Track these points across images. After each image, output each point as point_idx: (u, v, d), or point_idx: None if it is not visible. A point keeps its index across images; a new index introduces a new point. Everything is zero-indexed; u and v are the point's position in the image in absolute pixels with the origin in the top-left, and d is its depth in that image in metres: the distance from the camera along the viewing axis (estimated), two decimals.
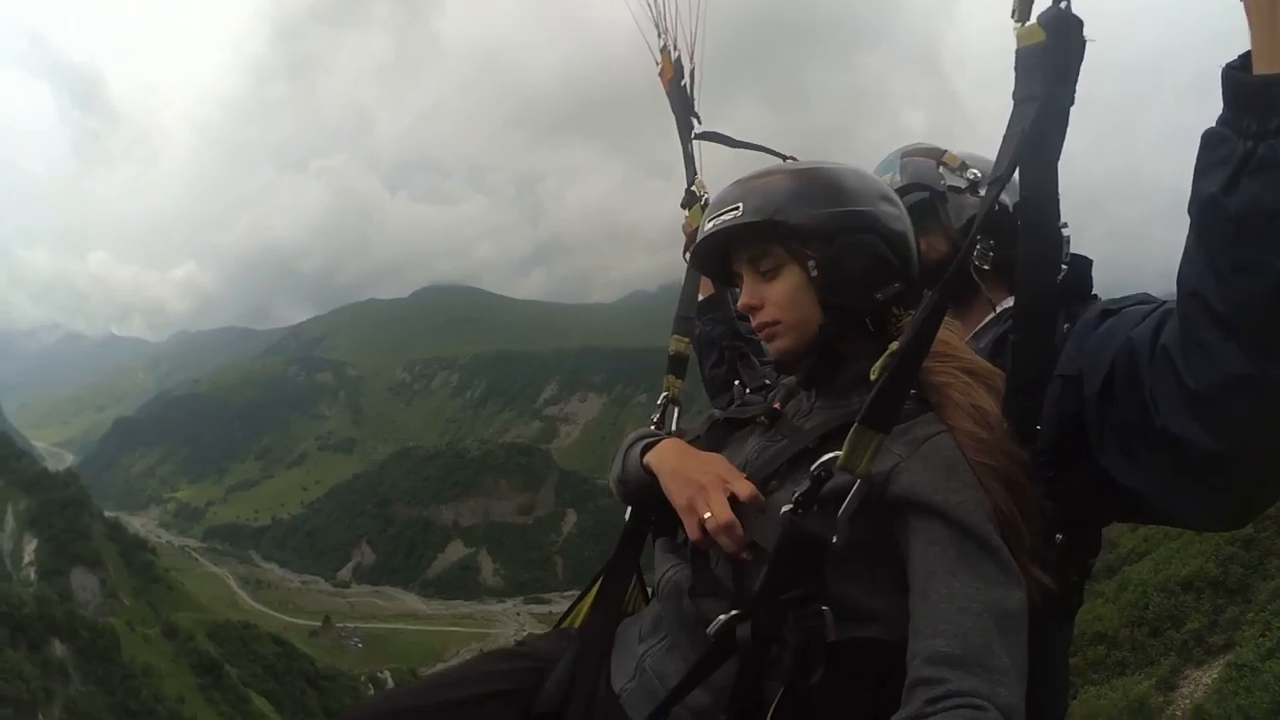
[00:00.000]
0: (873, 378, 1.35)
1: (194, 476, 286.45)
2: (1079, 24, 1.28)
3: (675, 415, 2.24)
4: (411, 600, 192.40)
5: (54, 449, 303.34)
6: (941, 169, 2.12)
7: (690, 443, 1.75)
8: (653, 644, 1.68)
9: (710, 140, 2.55)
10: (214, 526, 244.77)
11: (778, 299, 1.59)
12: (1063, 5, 1.29)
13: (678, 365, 2.34)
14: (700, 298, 2.52)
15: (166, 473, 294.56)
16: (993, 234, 1.96)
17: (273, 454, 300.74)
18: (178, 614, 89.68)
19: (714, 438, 1.79)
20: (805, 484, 1.36)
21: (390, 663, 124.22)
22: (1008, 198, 1.86)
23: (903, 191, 2.02)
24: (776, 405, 1.74)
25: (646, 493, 1.73)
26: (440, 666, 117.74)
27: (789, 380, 1.80)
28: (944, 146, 2.18)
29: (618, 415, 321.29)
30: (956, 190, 2.09)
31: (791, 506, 1.35)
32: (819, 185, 1.57)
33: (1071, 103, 1.32)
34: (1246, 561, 12.52)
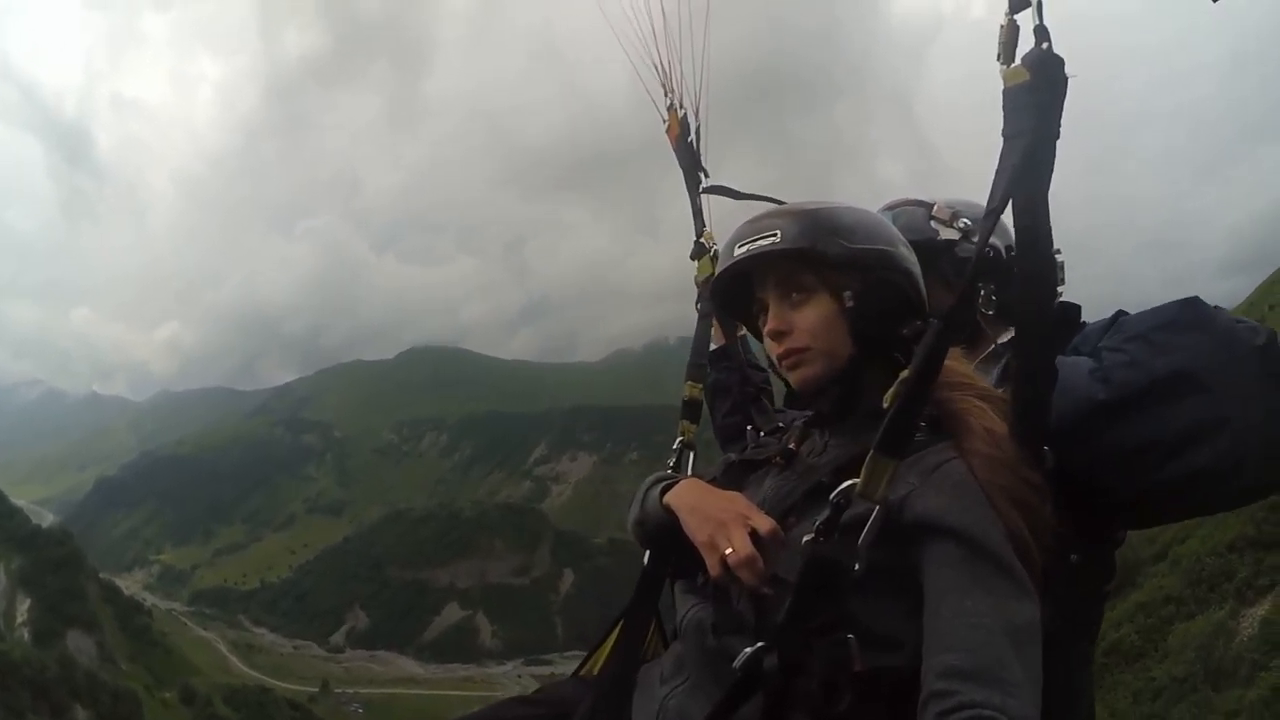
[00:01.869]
0: (885, 405, 1.40)
1: (179, 539, 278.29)
2: (1060, 62, 1.34)
3: (691, 460, 2.29)
4: (409, 665, 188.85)
5: (33, 507, 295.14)
6: (933, 221, 2.19)
7: (708, 483, 1.78)
8: (675, 685, 1.68)
9: (717, 194, 2.60)
10: (201, 590, 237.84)
11: (808, 325, 1.62)
12: (1044, 46, 1.34)
13: (692, 410, 2.39)
14: (712, 347, 2.57)
15: (151, 534, 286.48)
16: (991, 278, 2.04)
17: (259, 516, 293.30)
18: (195, 678, 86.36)
19: (731, 479, 1.83)
20: (825, 512, 1.40)
21: None
22: (999, 241, 1.99)
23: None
24: (791, 446, 1.77)
25: (665, 534, 1.73)
26: None
27: (801, 421, 1.85)
28: (927, 197, 2.25)
29: (609, 473, 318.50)
30: (951, 241, 2.16)
31: (813, 535, 1.39)
32: (852, 222, 1.63)
33: (1057, 136, 1.37)
34: (1277, 521, 15.97)
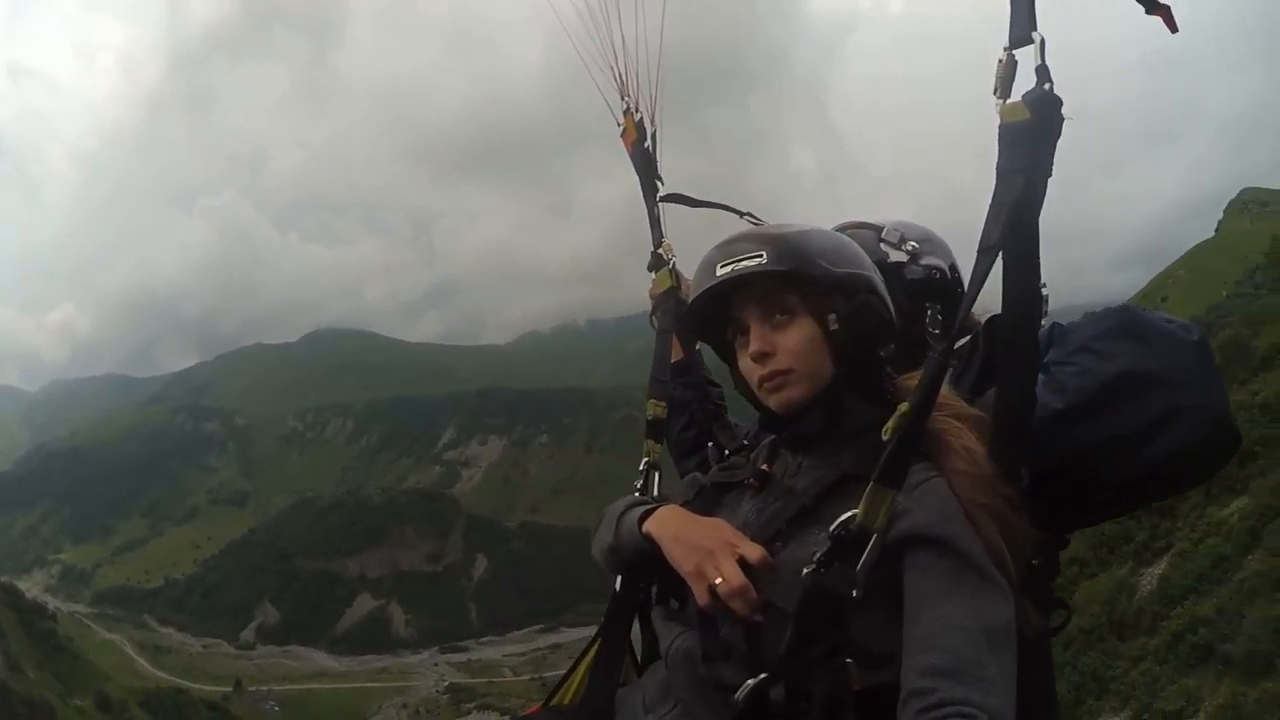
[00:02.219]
0: (885, 437, 1.41)
1: (78, 536, 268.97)
2: (1060, 103, 1.38)
3: (657, 480, 2.25)
4: (322, 658, 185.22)
5: None
6: (882, 244, 2.23)
7: (685, 508, 1.76)
8: (662, 713, 1.69)
9: (674, 202, 2.56)
10: (104, 590, 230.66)
11: (792, 348, 1.63)
12: (1046, 87, 1.38)
13: (656, 430, 2.33)
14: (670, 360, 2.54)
15: (49, 533, 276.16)
16: (940, 300, 2.15)
17: (161, 510, 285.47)
18: (107, 684, 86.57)
19: (704, 502, 1.81)
20: (826, 544, 1.41)
21: None
22: (943, 261, 2.17)
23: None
24: (764, 467, 1.76)
25: (641, 561, 1.75)
26: None
27: (768, 441, 1.86)
28: (876, 219, 2.31)
29: (519, 456, 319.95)
30: (900, 264, 2.20)
31: (814, 566, 1.40)
32: (832, 245, 1.65)
33: (1050, 174, 1.41)
34: None
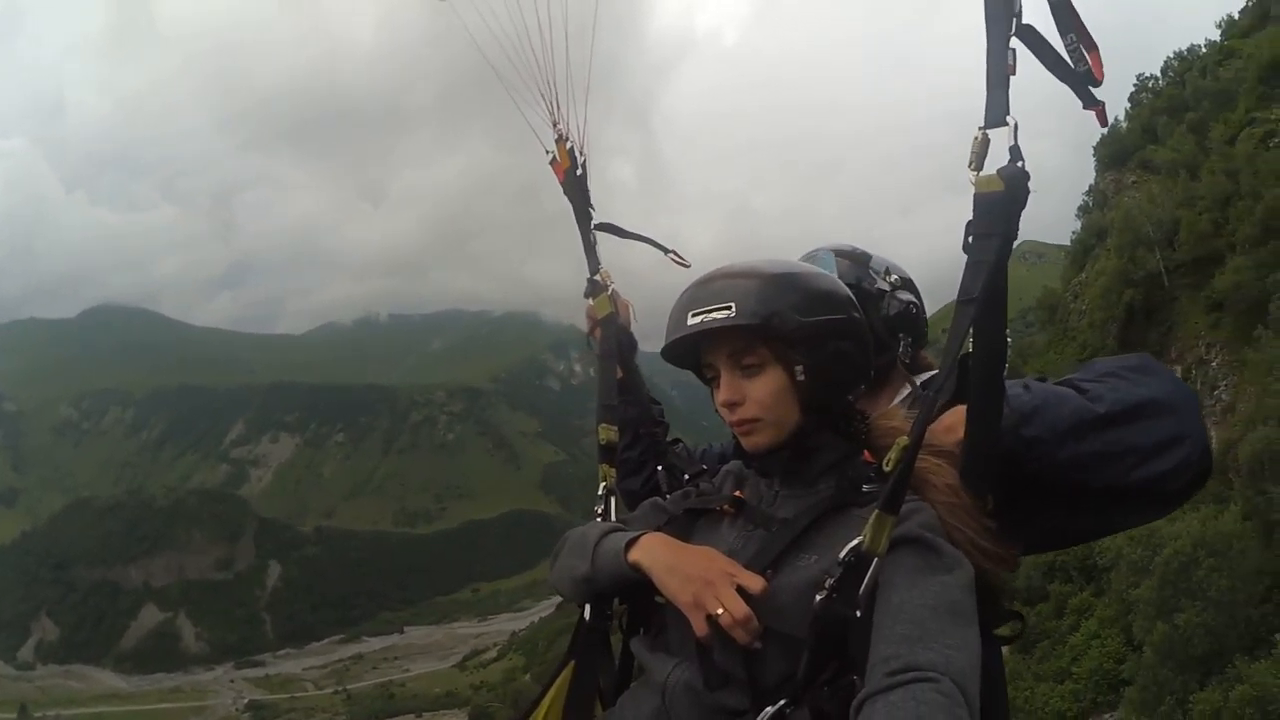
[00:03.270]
0: (886, 469, 1.48)
1: None
2: (1028, 178, 1.53)
3: (614, 505, 2.26)
4: (109, 678, 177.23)
5: None
6: (871, 272, 2.37)
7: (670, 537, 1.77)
8: None
9: (606, 231, 2.59)
10: None
11: (760, 398, 1.67)
12: (1019, 164, 1.51)
13: (608, 454, 2.35)
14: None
15: None
16: (910, 332, 2.36)
17: None
18: None
19: (677, 529, 1.83)
20: (839, 571, 1.46)
21: None
22: (914, 297, 2.39)
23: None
24: (739, 494, 1.82)
25: (619, 590, 1.80)
26: None
27: (734, 466, 1.93)
28: (863, 248, 2.44)
29: (313, 457, 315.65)
30: (884, 292, 2.35)
31: (826, 593, 1.45)
32: (807, 292, 1.66)
33: (1016, 237, 1.56)
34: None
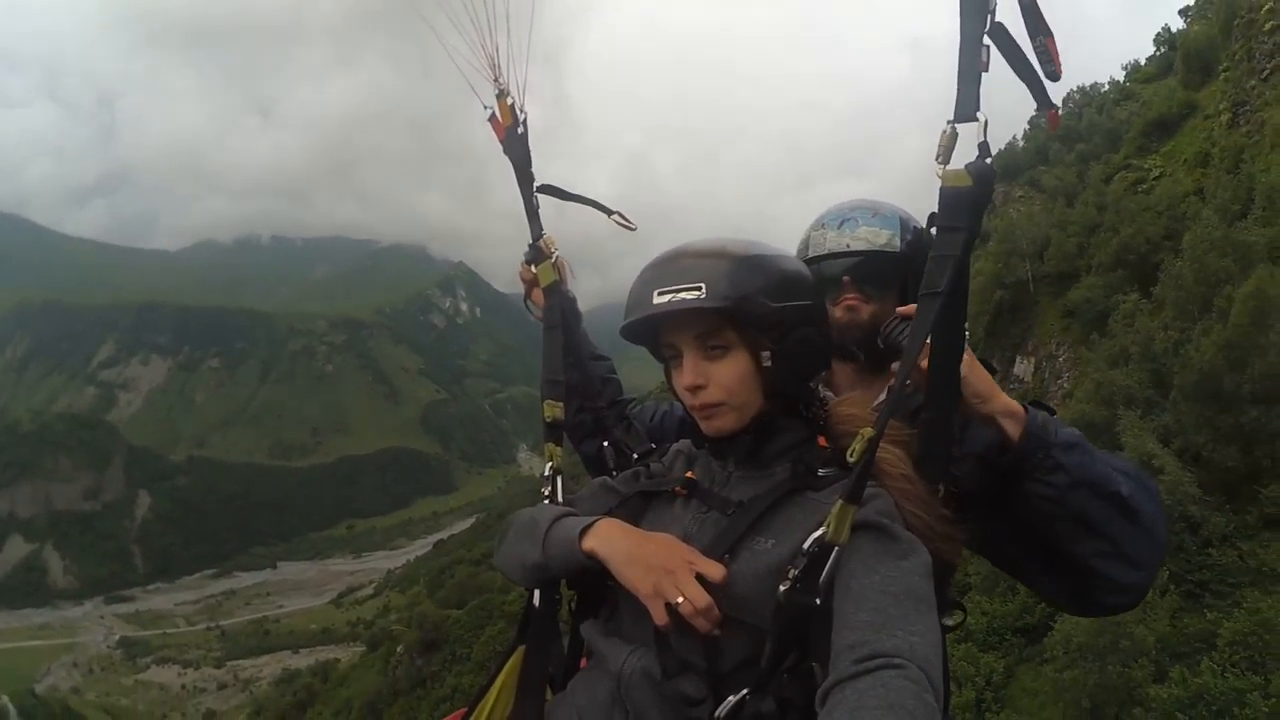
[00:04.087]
0: (851, 460, 1.47)
1: None
2: (995, 173, 1.56)
3: (560, 485, 2.17)
4: None
5: None
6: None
7: (621, 520, 1.75)
8: None
9: (548, 194, 2.46)
10: None
11: (725, 381, 1.65)
12: (987, 161, 1.54)
13: (554, 432, 2.25)
14: None
15: None
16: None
17: None
18: None
19: (629, 511, 1.82)
20: (802, 562, 1.45)
21: None
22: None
23: (915, 249, 2.13)
24: (690, 475, 1.80)
25: (572, 577, 1.79)
26: (40, 687, 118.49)
27: (684, 446, 1.92)
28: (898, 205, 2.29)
29: (185, 382, 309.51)
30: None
31: (790, 584, 1.44)
32: (776, 275, 1.64)
33: (979, 233, 1.60)
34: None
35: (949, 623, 1.75)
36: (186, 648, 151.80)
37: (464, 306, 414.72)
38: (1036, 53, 1.56)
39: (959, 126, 1.54)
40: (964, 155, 1.55)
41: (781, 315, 1.62)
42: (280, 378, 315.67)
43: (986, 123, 1.52)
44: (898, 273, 2.15)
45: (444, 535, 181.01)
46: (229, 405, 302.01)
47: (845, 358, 2.16)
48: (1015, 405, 1.79)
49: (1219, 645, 13.66)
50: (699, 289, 1.59)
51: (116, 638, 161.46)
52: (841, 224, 2.20)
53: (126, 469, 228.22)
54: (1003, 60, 1.53)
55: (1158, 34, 57.41)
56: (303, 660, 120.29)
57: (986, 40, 1.54)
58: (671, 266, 1.66)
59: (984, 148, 1.53)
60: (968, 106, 1.53)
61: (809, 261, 2.17)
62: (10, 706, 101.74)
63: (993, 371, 1.86)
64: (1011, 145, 59.08)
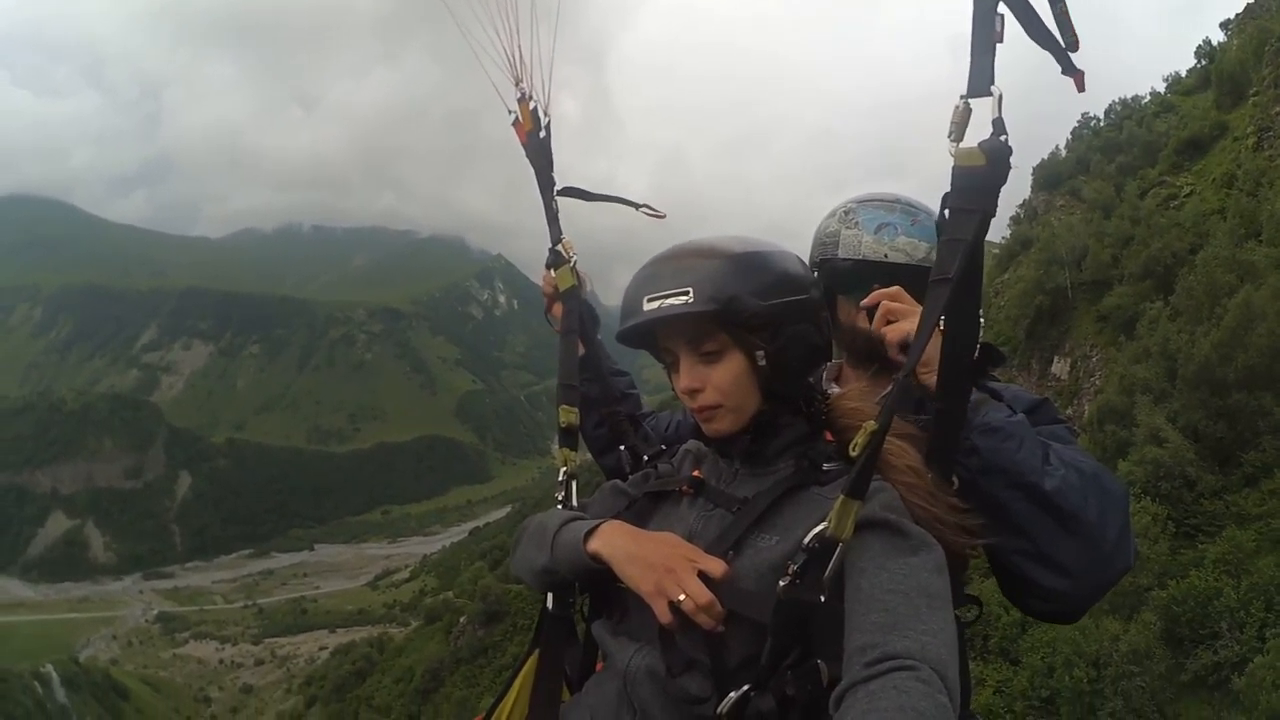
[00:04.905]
0: (853, 454, 1.44)
1: None
2: (1010, 152, 1.48)
3: (574, 490, 2.18)
4: (16, 587, 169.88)
5: None
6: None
7: (627, 522, 1.74)
8: None
9: (571, 196, 2.47)
10: None
11: (721, 384, 1.65)
12: (1002, 139, 1.48)
13: (570, 438, 2.27)
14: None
15: None
16: None
17: None
18: None
19: (638, 513, 1.83)
20: (802, 557, 1.43)
21: (17, 660, 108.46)
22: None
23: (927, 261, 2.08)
24: (697, 473, 1.79)
25: (581, 580, 1.79)
26: (80, 657, 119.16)
27: (693, 445, 1.91)
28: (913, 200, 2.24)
29: (226, 367, 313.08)
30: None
31: (790, 579, 1.42)
32: (766, 273, 1.62)
33: (995, 214, 1.51)
34: None
35: (964, 618, 1.71)
36: (224, 624, 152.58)
37: (501, 298, 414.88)
38: (1056, 20, 1.50)
39: (973, 101, 1.48)
40: (978, 134, 1.49)
41: (771, 313, 1.60)
42: (319, 364, 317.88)
43: (1001, 97, 1.46)
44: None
45: (479, 523, 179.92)
46: (269, 390, 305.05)
47: (860, 365, 2.13)
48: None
49: (1205, 564, 17.26)
50: (686, 293, 1.58)
51: (155, 612, 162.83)
52: (879, 229, 2.14)
53: (167, 449, 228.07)
54: (1001, 59, 1.46)
55: (1198, 46, 56.32)
56: (339, 639, 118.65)
57: (1002, 8, 1.48)
58: (661, 270, 1.65)
59: (999, 124, 1.48)
60: (982, 80, 1.48)
61: (840, 261, 2.15)
62: (55, 674, 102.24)
63: (999, 359, 1.79)
64: (1054, 154, 59.10)
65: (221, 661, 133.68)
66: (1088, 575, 1.65)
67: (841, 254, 2.12)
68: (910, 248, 2.10)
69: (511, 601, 52.44)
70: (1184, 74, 57.98)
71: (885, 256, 2.10)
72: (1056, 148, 61.62)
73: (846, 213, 2.20)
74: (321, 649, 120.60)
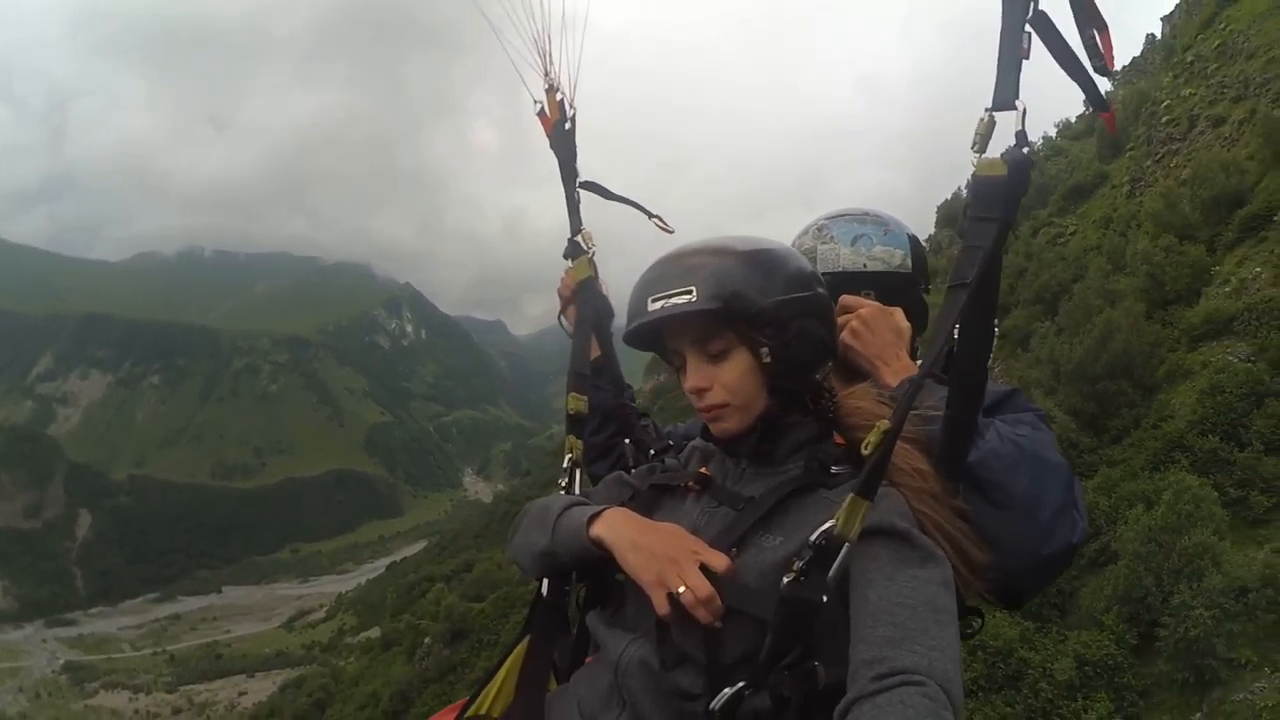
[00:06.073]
0: (865, 453, 1.43)
1: None
2: (1032, 164, 1.52)
3: (579, 478, 2.20)
4: None
5: None
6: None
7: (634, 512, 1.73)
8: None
9: (591, 190, 2.48)
10: None
11: (728, 382, 1.65)
12: (1024, 150, 1.50)
13: (576, 425, 2.27)
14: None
15: None
16: (916, 324, 2.17)
17: None
18: None
19: (642, 505, 1.80)
20: (808, 555, 1.43)
21: None
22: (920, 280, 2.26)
23: (919, 266, 2.20)
24: (704, 470, 1.78)
25: (579, 565, 1.76)
26: None
27: (700, 443, 1.89)
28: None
29: (126, 398, 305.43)
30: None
31: (794, 576, 1.42)
32: (770, 270, 1.62)
33: (1014, 224, 1.55)
34: None
35: (967, 630, 1.71)
36: (135, 673, 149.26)
37: (409, 328, 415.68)
38: (1085, 45, 1.52)
39: (997, 115, 1.51)
40: (1000, 146, 1.53)
41: (776, 310, 1.61)
42: (223, 396, 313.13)
43: (1025, 111, 1.49)
44: (909, 291, 2.17)
45: (395, 558, 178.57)
46: (171, 423, 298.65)
47: (842, 379, 2.04)
48: (902, 373, 1.82)
49: (1087, 491, 19.40)
50: (690, 292, 1.59)
51: (61, 662, 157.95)
52: (855, 240, 2.18)
53: (67, 486, 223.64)
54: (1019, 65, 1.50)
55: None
56: (259, 684, 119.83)
57: (1028, 28, 1.50)
58: (666, 270, 1.66)
59: (1021, 136, 1.51)
60: (1007, 94, 1.50)
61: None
62: None
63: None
64: (957, 194, 63.87)
65: (137, 712, 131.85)
66: (1019, 549, 1.64)
67: (820, 269, 2.06)
68: (887, 255, 2.14)
69: (475, 619, 53.38)
70: (1073, 120, 65.03)
71: (864, 266, 2.14)
72: (959, 188, 67.79)
73: (820, 229, 2.24)
74: (241, 694, 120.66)
